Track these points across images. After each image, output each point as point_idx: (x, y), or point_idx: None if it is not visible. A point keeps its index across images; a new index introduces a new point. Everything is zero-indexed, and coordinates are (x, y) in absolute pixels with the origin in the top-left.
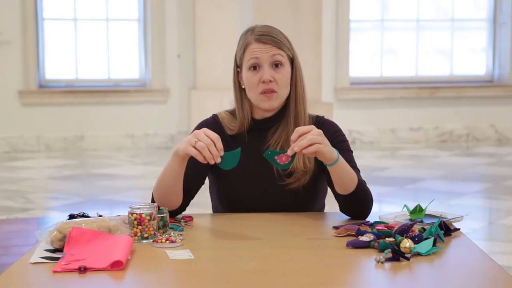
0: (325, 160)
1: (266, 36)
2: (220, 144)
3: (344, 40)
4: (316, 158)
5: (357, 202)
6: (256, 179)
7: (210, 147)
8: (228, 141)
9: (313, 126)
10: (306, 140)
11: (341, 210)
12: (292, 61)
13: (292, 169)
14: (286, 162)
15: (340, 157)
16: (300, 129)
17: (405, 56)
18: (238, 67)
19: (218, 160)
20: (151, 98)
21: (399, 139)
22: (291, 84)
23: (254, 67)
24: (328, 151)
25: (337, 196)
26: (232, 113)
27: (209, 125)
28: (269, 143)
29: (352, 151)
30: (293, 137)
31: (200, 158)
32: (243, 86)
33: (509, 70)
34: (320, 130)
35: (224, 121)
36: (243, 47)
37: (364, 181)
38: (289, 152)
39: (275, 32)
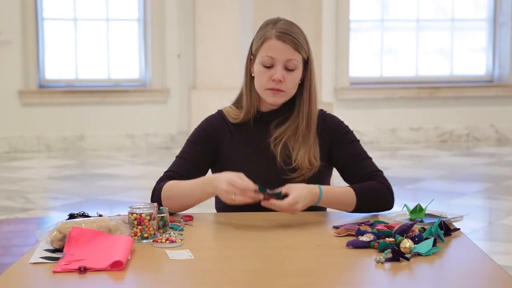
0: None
1: (287, 35)
2: (252, 185)
3: (344, 40)
4: (320, 151)
5: (366, 210)
6: (260, 169)
7: (246, 193)
8: (232, 132)
9: (291, 204)
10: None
11: None
12: (307, 62)
13: (297, 166)
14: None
15: (322, 196)
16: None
17: (405, 56)
18: (252, 55)
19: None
20: (151, 98)
21: (399, 139)
22: (305, 85)
23: (268, 64)
24: (308, 204)
25: None
26: (236, 106)
27: (214, 120)
28: (273, 137)
29: (358, 140)
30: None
31: (237, 203)
32: (253, 75)
33: (509, 70)
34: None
35: (229, 114)
36: (262, 39)
37: (372, 173)
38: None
39: (295, 31)
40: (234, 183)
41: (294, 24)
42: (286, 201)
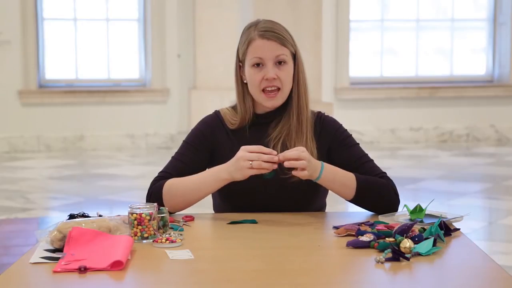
0: (309, 176)
1: (270, 32)
2: (266, 149)
3: (344, 40)
4: (318, 155)
5: (368, 203)
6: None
7: (263, 158)
8: (229, 136)
9: (300, 149)
10: (299, 163)
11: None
12: (295, 56)
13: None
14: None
15: (323, 173)
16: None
17: (405, 56)
18: (240, 61)
19: (276, 159)
20: (151, 98)
21: (399, 139)
22: (293, 80)
23: (258, 64)
24: (312, 168)
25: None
26: (234, 108)
27: (211, 120)
28: (271, 137)
29: (358, 144)
30: (282, 159)
31: (263, 171)
32: (245, 81)
33: (509, 70)
34: (304, 152)
35: (226, 116)
36: (246, 42)
37: (376, 176)
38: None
39: (278, 27)
40: (249, 149)
41: (276, 22)
42: (293, 148)
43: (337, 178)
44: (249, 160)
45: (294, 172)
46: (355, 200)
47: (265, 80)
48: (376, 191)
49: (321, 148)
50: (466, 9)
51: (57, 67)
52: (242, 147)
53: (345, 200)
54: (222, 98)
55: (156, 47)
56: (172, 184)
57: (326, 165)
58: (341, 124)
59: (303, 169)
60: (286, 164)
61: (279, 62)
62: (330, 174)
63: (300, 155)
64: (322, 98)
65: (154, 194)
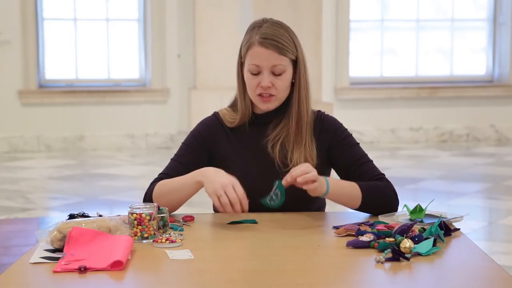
0: (318, 193)
1: (270, 40)
2: (245, 202)
3: (344, 40)
4: (317, 154)
5: (372, 209)
6: (258, 171)
7: (235, 205)
8: (229, 136)
9: (305, 165)
10: (310, 175)
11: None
12: (296, 62)
13: (294, 164)
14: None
15: (330, 187)
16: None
17: (405, 56)
18: (241, 58)
19: (242, 214)
20: (151, 98)
21: (399, 139)
22: (294, 85)
23: (254, 70)
24: (320, 184)
25: None
26: (233, 108)
27: (210, 123)
28: (269, 138)
29: (358, 143)
30: (291, 179)
31: (221, 210)
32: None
33: (509, 70)
34: (309, 166)
35: (225, 117)
36: (247, 45)
37: (375, 177)
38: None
39: (280, 34)
40: (236, 187)
41: (280, 25)
42: (297, 166)
43: (344, 190)
44: (224, 193)
45: (305, 187)
46: (360, 208)
47: (260, 87)
48: (379, 196)
49: (321, 147)
50: (466, 9)
51: (57, 67)
52: (233, 180)
53: (351, 209)
54: (222, 98)
55: (156, 47)
56: (161, 185)
57: (329, 179)
58: (341, 124)
59: (313, 181)
60: (300, 180)
61: (275, 73)
62: (336, 186)
63: (307, 169)
64: (322, 98)
65: (147, 195)
